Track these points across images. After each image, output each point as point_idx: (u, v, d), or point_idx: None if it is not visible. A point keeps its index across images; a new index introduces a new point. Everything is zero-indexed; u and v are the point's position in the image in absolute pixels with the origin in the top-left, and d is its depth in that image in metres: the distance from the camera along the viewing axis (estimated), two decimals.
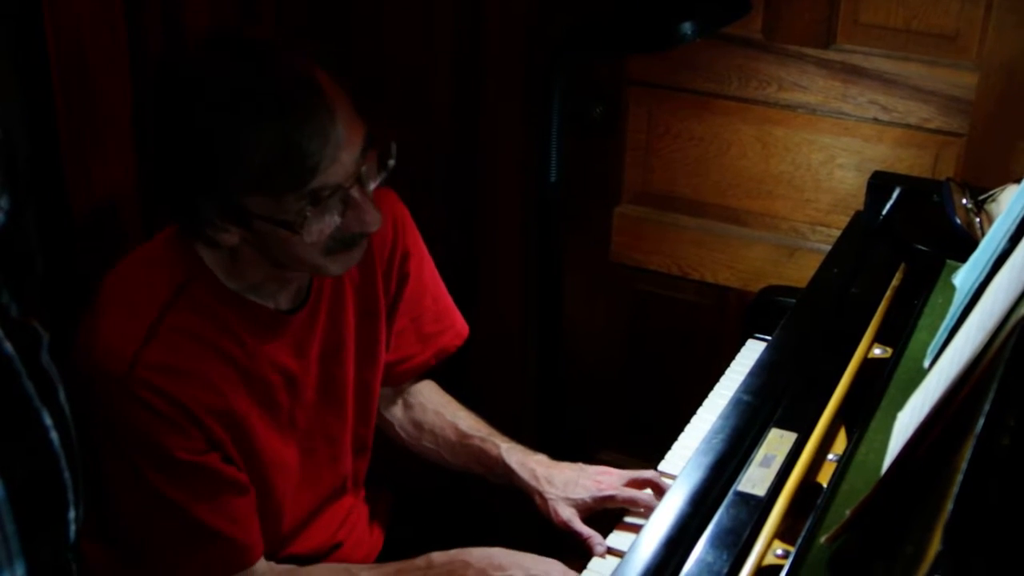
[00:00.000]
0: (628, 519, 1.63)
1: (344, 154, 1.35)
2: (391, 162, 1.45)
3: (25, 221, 0.93)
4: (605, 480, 1.67)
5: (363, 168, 1.40)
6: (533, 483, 1.69)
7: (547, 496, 1.67)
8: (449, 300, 1.80)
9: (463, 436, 1.78)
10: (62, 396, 0.90)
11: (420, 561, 1.55)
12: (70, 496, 0.90)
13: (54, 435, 0.88)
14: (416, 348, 1.76)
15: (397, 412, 1.84)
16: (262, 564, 1.55)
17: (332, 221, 1.39)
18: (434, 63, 2.39)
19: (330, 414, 1.63)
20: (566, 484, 1.67)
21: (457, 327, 1.81)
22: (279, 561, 1.62)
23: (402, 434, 1.84)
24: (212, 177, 1.35)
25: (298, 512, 1.64)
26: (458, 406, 1.83)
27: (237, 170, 1.33)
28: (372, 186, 1.43)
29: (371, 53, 2.42)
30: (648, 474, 1.65)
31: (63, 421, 0.89)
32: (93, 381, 1.39)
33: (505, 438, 1.77)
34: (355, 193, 1.40)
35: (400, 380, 1.80)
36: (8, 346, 0.85)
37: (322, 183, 1.35)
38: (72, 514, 0.91)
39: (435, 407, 1.82)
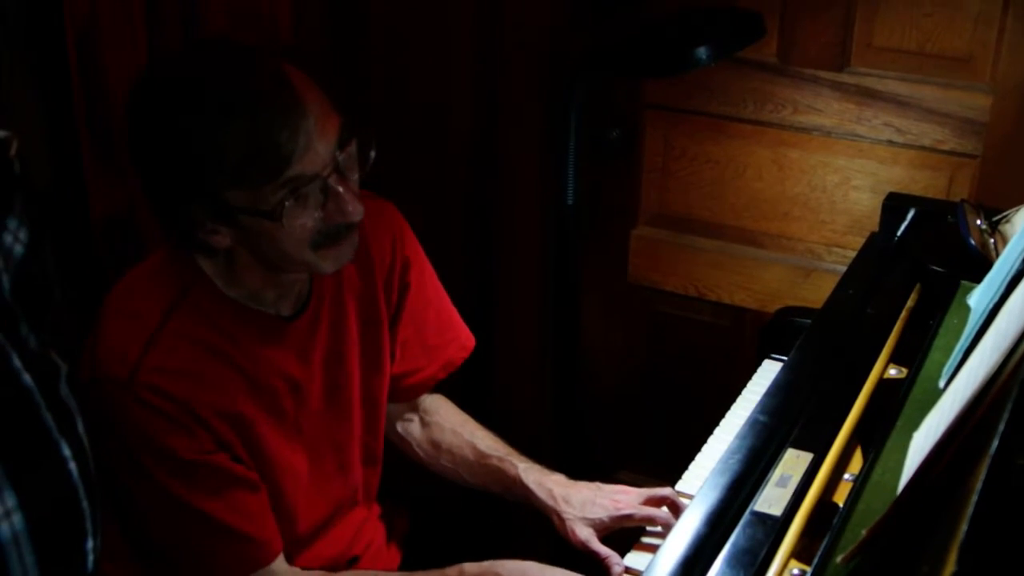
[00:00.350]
0: (645, 539, 1.62)
1: (318, 144, 1.36)
2: (373, 153, 1.46)
3: (43, 253, 0.93)
4: (622, 499, 1.66)
5: (341, 158, 1.41)
6: (551, 503, 1.68)
7: (565, 516, 1.66)
8: (454, 312, 1.80)
9: (481, 456, 1.78)
10: (80, 427, 0.90)
11: (452, 571, 1.53)
12: (88, 526, 0.90)
13: (72, 466, 0.88)
14: (422, 361, 1.76)
15: (415, 431, 1.83)
16: (283, 565, 1.54)
17: (313, 212, 1.39)
18: (453, 87, 2.40)
19: (336, 421, 1.63)
20: (583, 504, 1.66)
21: (462, 339, 1.80)
22: None
23: (420, 453, 1.83)
24: (194, 176, 1.35)
25: (309, 521, 1.63)
26: (476, 425, 1.83)
27: (216, 166, 1.34)
28: (354, 177, 1.44)
29: (390, 74, 2.43)
30: (665, 491, 1.65)
31: (82, 452, 0.89)
32: (97, 388, 1.40)
33: (523, 458, 1.76)
34: (334, 183, 1.40)
35: (410, 395, 1.80)
36: (27, 378, 0.85)
37: (298, 172, 1.35)
38: (90, 544, 0.91)
39: (452, 426, 1.82)
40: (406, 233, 1.70)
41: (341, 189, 1.41)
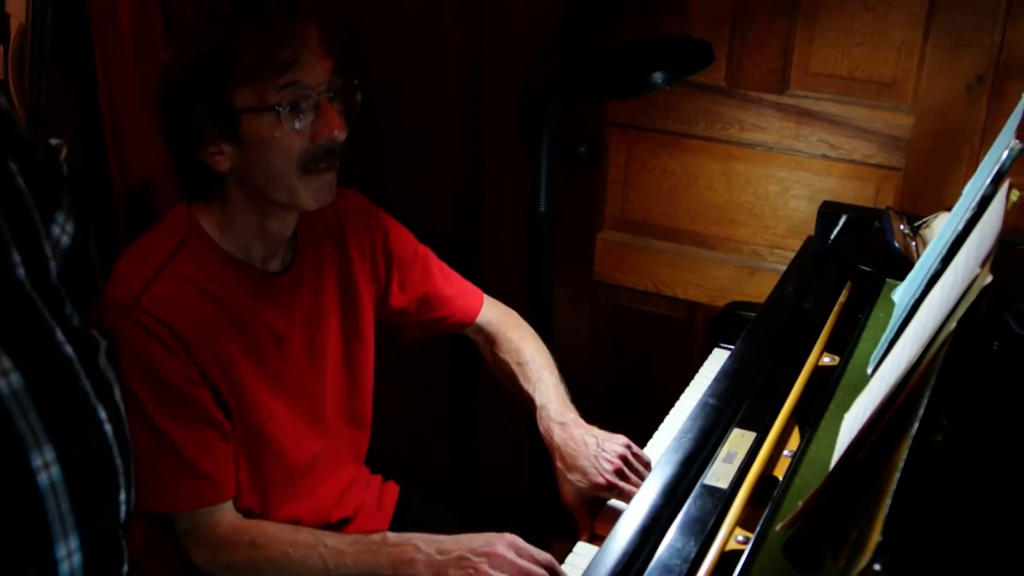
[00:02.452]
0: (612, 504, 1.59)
1: (316, 62, 1.44)
2: (359, 97, 1.52)
3: (87, 243, 0.94)
4: (607, 470, 1.57)
5: (333, 90, 1.47)
6: (549, 447, 1.65)
7: (558, 472, 1.61)
8: (458, 276, 1.84)
9: (525, 379, 1.77)
10: (117, 394, 0.91)
11: (376, 537, 1.49)
12: (121, 480, 0.90)
13: (108, 427, 0.88)
14: (446, 309, 1.79)
15: (486, 352, 1.86)
16: (231, 511, 1.51)
17: (305, 125, 1.44)
18: (442, 112, 2.38)
19: (313, 377, 1.62)
20: (572, 467, 1.59)
21: (472, 289, 1.85)
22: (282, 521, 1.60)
23: (493, 370, 1.85)
24: (208, 78, 1.41)
25: (293, 470, 1.60)
26: (534, 349, 1.82)
27: (229, 66, 1.40)
28: (341, 110, 1.49)
29: (389, 103, 2.41)
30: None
31: (117, 416, 0.90)
32: (103, 315, 1.41)
33: (545, 394, 1.72)
34: (326, 103, 1.46)
35: (451, 331, 1.84)
36: (68, 349, 0.85)
37: (298, 78, 1.42)
38: (122, 496, 0.91)
39: (509, 347, 1.82)
40: (379, 212, 1.73)
41: (331, 110, 1.46)
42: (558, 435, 1.64)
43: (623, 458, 1.58)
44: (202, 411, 1.45)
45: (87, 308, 0.91)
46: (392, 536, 1.48)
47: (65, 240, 0.89)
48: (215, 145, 1.45)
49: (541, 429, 1.68)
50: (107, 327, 1.36)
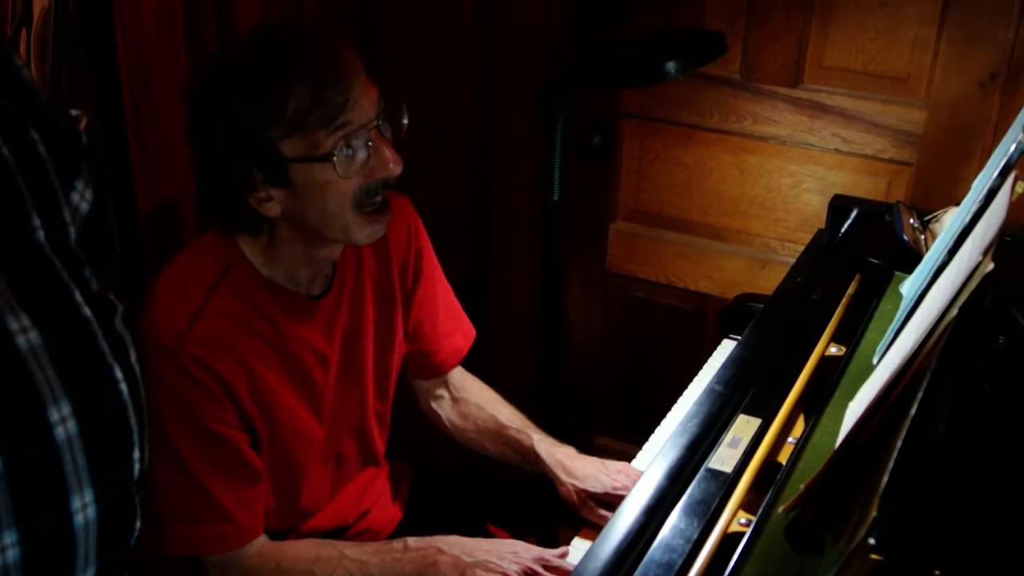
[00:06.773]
0: None
1: (364, 99, 1.38)
2: (405, 121, 1.46)
3: (105, 210, 0.97)
4: (621, 480, 1.62)
5: (381, 119, 1.42)
6: (559, 472, 1.65)
7: (568, 485, 1.63)
8: (458, 305, 1.79)
9: (501, 427, 1.75)
10: (132, 356, 0.93)
11: (397, 544, 1.50)
12: (135, 438, 0.93)
13: (123, 387, 0.91)
14: (435, 345, 1.74)
15: (445, 407, 1.81)
16: (254, 548, 1.50)
17: (359, 160, 1.39)
18: (458, 100, 2.40)
19: (350, 390, 1.61)
20: (586, 478, 1.63)
21: (465, 328, 1.80)
22: (304, 533, 1.61)
23: (449, 426, 1.81)
24: (257, 130, 1.35)
25: (321, 484, 1.62)
26: (500, 400, 1.81)
27: (277, 116, 1.34)
28: (390, 136, 1.44)
29: (406, 92, 2.43)
30: None
31: (132, 376, 0.92)
32: (146, 352, 1.36)
33: (537, 430, 1.74)
34: (377, 139, 1.41)
35: (431, 373, 1.78)
36: (87, 311, 0.88)
37: (348, 119, 1.36)
38: (136, 454, 0.93)
39: (479, 401, 1.79)
40: (419, 226, 1.69)
41: (383, 144, 1.41)
42: (567, 462, 1.66)
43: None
44: (237, 456, 1.44)
45: (105, 273, 0.94)
46: (413, 541, 1.50)
47: (84, 207, 0.92)
48: (263, 191, 1.38)
49: (543, 454, 1.68)
50: (147, 366, 1.33)
